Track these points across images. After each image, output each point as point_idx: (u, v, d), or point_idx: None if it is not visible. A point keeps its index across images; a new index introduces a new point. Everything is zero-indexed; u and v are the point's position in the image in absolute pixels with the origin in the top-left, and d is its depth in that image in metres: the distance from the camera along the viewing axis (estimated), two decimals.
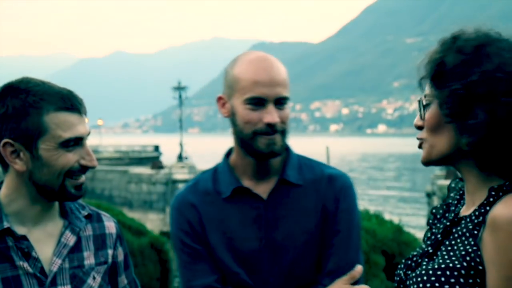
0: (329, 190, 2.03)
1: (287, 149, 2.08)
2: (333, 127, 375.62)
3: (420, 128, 1.55)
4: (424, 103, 1.53)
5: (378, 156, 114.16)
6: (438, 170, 27.07)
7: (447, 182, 21.04)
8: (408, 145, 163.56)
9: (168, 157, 51.17)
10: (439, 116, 1.48)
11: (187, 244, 2.04)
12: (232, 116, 2.02)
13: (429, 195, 25.88)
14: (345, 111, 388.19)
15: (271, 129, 1.94)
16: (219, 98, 2.06)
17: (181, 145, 37.74)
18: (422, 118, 1.54)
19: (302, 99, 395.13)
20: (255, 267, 2.01)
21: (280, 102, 1.96)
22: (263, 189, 2.03)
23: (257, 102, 1.95)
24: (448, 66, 1.46)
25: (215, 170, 2.12)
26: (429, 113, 1.51)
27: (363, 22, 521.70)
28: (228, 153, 2.12)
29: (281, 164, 2.05)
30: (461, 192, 1.60)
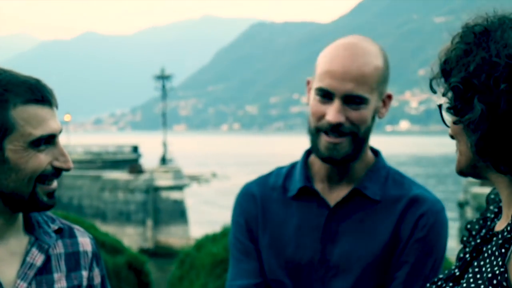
0: (408, 213, 2.04)
1: (376, 155, 2.14)
2: None
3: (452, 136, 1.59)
4: (445, 106, 1.57)
5: (400, 159, 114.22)
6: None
7: (482, 190, 21.10)
8: (435, 145, 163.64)
9: (149, 160, 51.18)
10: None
11: (239, 239, 2.13)
12: (309, 104, 2.08)
13: (461, 205, 25.95)
14: None
15: (333, 129, 1.97)
16: (308, 82, 2.10)
17: (164, 145, 37.75)
18: (446, 125, 1.58)
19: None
20: (304, 281, 2.05)
21: (352, 100, 1.98)
22: (334, 196, 2.07)
23: (325, 95, 1.98)
24: (451, 60, 1.51)
25: (293, 166, 2.19)
26: (451, 118, 1.56)
27: None
28: (309, 151, 2.16)
29: (365, 172, 2.09)
30: (500, 204, 1.62)
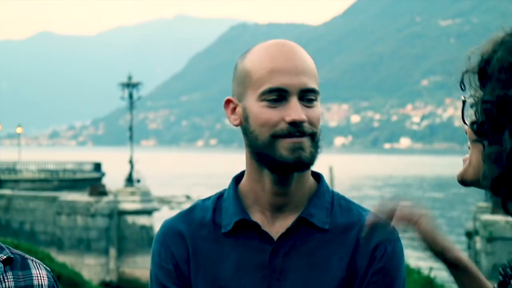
0: (363, 242, 2.06)
1: (318, 179, 2.14)
2: (339, 140, 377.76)
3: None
4: (469, 102, 1.60)
5: (400, 180, 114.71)
6: (482, 201, 27.16)
7: (494, 217, 21.20)
8: (440, 165, 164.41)
9: (113, 179, 50.99)
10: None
11: (165, 287, 2.08)
12: (244, 121, 2.05)
13: (469, 235, 26.04)
14: (355, 118, 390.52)
15: (296, 130, 1.98)
16: (227, 102, 2.10)
17: (131, 162, 37.71)
18: (464, 121, 1.64)
19: None
20: None
21: (307, 96, 2.00)
22: (276, 228, 2.06)
23: (277, 97, 1.98)
24: (492, 68, 1.54)
25: (219, 197, 2.17)
26: (470, 119, 1.59)
27: None
28: (238, 178, 2.15)
29: (308, 199, 2.09)
30: None
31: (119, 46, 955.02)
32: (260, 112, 2.00)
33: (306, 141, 1.99)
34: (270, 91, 1.98)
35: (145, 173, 37.26)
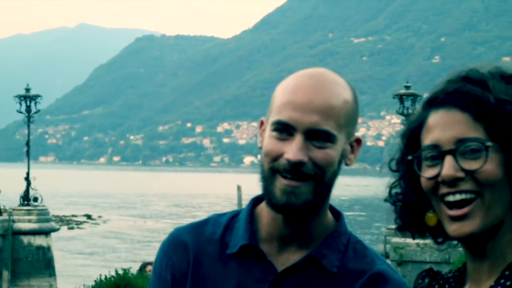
0: None
1: (338, 217, 2.13)
2: (248, 159, 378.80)
3: (458, 180, 1.67)
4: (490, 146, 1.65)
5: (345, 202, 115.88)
6: (391, 224, 27.68)
7: (404, 240, 21.60)
8: (353, 186, 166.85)
9: (7, 198, 50.04)
10: (501, 166, 1.64)
11: None
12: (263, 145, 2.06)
13: None
14: None
15: (293, 170, 1.94)
16: (261, 123, 2.13)
17: (27, 179, 37.09)
18: (461, 168, 1.66)
19: (205, 119, 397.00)
20: None
21: (317, 136, 1.96)
22: (282, 260, 2.05)
23: (283, 129, 1.97)
24: (494, 94, 1.64)
25: (234, 215, 2.17)
26: (491, 161, 1.64)
27: (293, 12, 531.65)
28: (256, 199, 2.16)
29: (322, 237, 2.07)
30: (436, 287, 1.77)
31: (17, 56, 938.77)
32: (268, 142, 2.00)
33: (303, 186, 1.96)
34: (278, 123, 1.98)
35: (43, 191, 36.65)
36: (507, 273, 1.60)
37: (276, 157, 1.96)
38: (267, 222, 2.07)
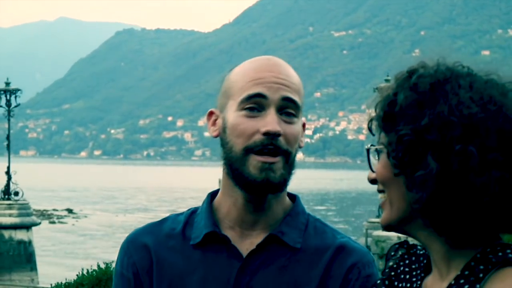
0: (336, 264, 2.05)
1: (294, 199, 2.14)
2: None
3: (374, 181, 1.74)
4: (372, 150, 1.74)
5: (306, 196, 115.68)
6: (374, 217, 27.78)
7: (386, 234, 21.64)
8: (333, 179, 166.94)
9: None
10: (389, 167, 1.69)
11: None
12: (222, 132, 2.07)
13: None
14: None
15: (270, 142, 1.97)
16: (210, 113, 2.13)
17: (8, 173, 36.94)
18: (372, 169, 1.74)
19: (186, 113, 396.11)
20: None
21: (287, 109, 2.00)
22: (246, 244, 2.05)
23: (255, 105, 1.99)
24: (399, 106, 1.66)
25: (192, 212, 2.17)
26: (380, 164, 1.71)
27: (273, 6, 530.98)
28: (214, 194, 2.16)
29: (282, 216, 2.08)
30: (407, 261, 1.79)
31: None
32: (237, 122, 2.00)
33: (278, 162, 1.98)
34: (249, 97, 1.99)
35: (23, 185, 36.47)
36: (472, 263, 1.60)
37: (251, 135, 1.97)
38: (227, 210, 2.07)
